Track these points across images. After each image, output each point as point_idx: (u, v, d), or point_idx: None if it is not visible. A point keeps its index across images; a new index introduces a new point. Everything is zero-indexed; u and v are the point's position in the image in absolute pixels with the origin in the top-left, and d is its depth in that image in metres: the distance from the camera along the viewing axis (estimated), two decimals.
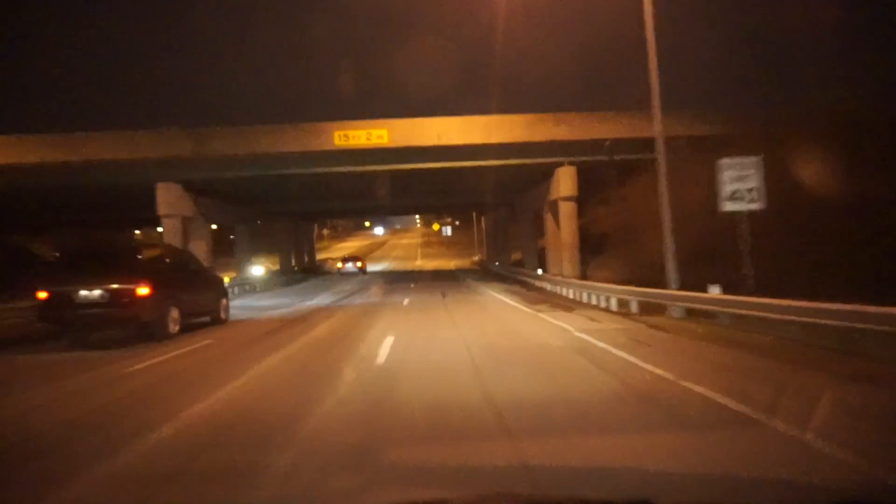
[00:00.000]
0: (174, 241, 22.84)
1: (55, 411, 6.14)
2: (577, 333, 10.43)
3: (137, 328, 10.85)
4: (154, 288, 10.71)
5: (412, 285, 28.28)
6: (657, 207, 12.74)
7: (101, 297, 10.45)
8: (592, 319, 12.72)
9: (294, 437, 4.62)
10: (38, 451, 4.69)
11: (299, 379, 7.48)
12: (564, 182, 23.73)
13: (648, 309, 13.36)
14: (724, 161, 11.34)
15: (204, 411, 5.69)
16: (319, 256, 60.85)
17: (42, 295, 10.70)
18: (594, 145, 22.42)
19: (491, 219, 45.43)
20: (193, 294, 12.47)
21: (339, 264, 44.62)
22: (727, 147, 13.52)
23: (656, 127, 12.81)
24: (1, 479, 4.08)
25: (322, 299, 22.62)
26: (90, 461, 4.28)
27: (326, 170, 23.69)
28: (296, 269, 42.84)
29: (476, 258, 56.73)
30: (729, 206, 11.43)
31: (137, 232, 43.83)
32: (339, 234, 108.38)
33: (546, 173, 25.05)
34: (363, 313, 16.07)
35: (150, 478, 3.89)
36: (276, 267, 42.06)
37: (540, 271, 26.49)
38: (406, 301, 19.37)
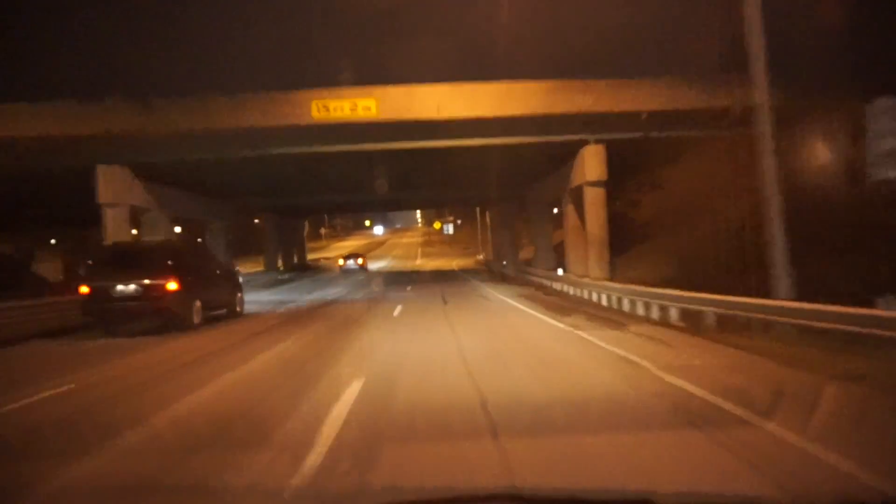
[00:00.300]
0: (119, 235, 18.80)
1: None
2: (666, 376, 6.27)
3: (166, 319, 11.86)
4: (181, 283, 11.81)
5: (409, 288, 24.50)
6: (706, 193, 8.81)
7: (136, 291, 11.61)
8: (666, 344, 8.63)
9: None
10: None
11: None
12: (591, 164, 19.62)
13: (729, 325, 9.25)
14: (883, 102, 7.19)
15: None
16: (313, 256, 56.78)
17: (84, 290, 11.89)
18: (627, 119, 18.30)
19: (497, 214, 41.35)
20: (213, 289, 13.60)
21: (341, 261, 44.30)
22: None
23: (759, 92, 8.89)
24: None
25: (296, 303, 18.68)
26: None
27: (303, 150, 19.63)
28: (281, 269, 38.73)
29: (480, 257, 52.41)
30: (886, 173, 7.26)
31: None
32: (338, 234, 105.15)
33: (566, 155, 20.97)
34: (335, 330, 12.10)
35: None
36: (261, 267, 37.93)
37: (560, 271, 22.34)
38: (397, 310, 15.33)
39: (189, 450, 4.30)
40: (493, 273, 35.61)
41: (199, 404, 5.91)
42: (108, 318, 12.07)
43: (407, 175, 26.08)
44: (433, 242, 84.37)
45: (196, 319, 12.38)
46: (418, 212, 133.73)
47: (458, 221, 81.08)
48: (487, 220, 47.10)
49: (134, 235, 21.46)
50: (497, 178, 26.69)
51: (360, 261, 43.67)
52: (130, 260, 12.52)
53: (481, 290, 22.35)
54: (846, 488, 3.09)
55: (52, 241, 34.91)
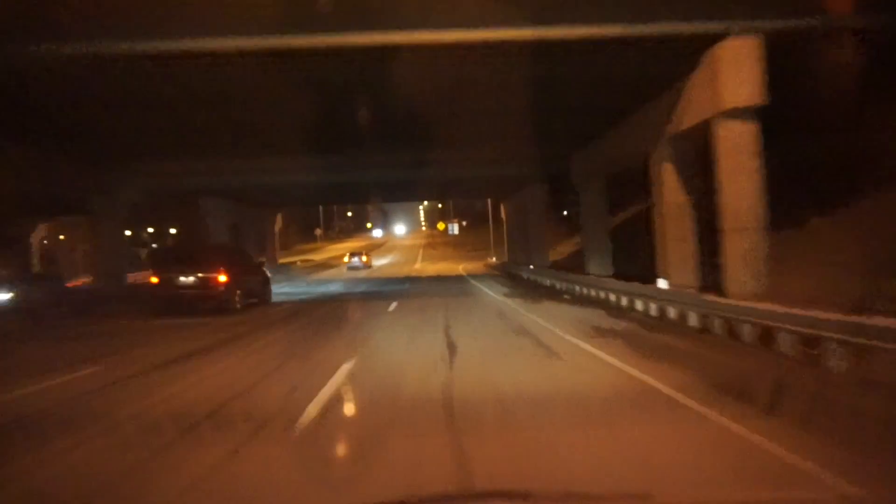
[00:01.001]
0: None
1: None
2: None
3: (217, 304, 14.53)
4: (228, 277, 14.72)
5: (394, 304, 16.08)
6: None
7: (194, 282, 14.55)
8: None
9: None
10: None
11: None
12: (733, 77, 10.13)
13: None
14: None
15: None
16: (300, 258, 47.58)
17: (154, 280, 15.04)
18: None
19: (516, 204, 31.82)
20: (250, 282, 16.38)
21: (346, 258, 46.58)
22: None
23: None
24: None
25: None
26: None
27: (215, 43, 9.91)
28: None
29: (492, 260, 42.73)
30: None
31: None
32: (336, 236, 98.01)
33: (662, 78, 11.56)
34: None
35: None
36: None
37: (663, 283, 12.56)
38: (349, 366, 7.44)
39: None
40: (514, 280, 25.92)
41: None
42: (171, 302, 14.62)
43: (402, 132, 16.43)
44: (436, 244, 75.59)
45: (238, 305, 15.24)
46: (422, 213, 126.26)
47: (464, 223, 76.58)
48: (503, 213, 37.52)
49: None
50: (526, 141, 17.27)
51: (363, 258, 45.01)
52: (189, 258, 15.49)
53: (512, 315, 12.94)
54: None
55: None
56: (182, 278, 14.51)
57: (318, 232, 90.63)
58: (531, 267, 25.51)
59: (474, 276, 30.89)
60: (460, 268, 39.82)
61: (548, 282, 21.04)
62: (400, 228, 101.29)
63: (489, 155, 20.49)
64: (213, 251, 16.92)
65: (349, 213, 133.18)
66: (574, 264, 22.86)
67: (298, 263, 47.06)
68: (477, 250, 61.44)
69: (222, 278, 14.56)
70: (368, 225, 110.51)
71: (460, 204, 77.92)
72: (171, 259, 16.39)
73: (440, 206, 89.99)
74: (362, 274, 37.74)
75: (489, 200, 44.94)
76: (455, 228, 66.16)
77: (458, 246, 68.08)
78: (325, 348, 8.99)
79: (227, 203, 28.02)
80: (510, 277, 27.82)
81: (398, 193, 37.27)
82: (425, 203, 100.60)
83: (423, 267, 44.22)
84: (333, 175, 23.29)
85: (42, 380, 6.92)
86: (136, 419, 5.14)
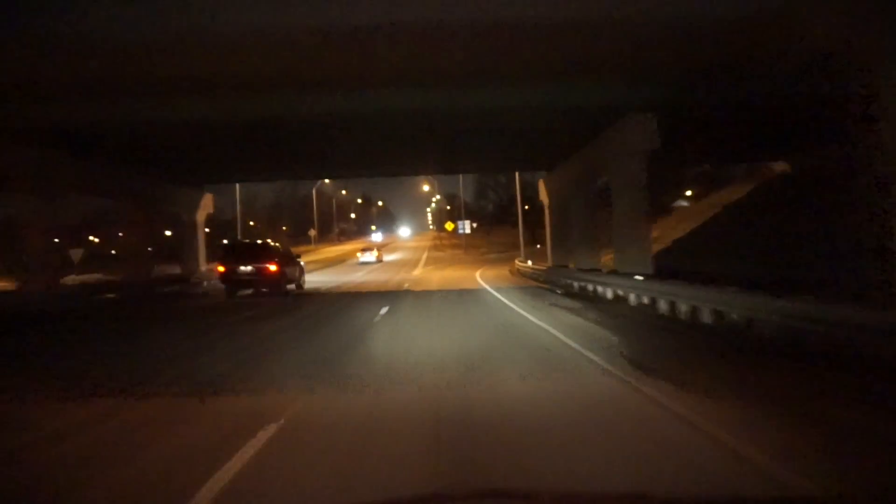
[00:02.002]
0: None
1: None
2: None
3: (269, 288, 18.31)
4: (278, 267, 18.42)
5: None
6: None
7: (251, 271, 18.09)
8: None
9: None
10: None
11: None
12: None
13: None
14: None
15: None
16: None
17: (220, 269, 18.73)
18: None
19: (576, 172, 20.44)
20: (291, 271, 20.13)
21: (359, 254, 48.67)
22: None
23: None
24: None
25: None
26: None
27: None
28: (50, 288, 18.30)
29: (525, 263, 28.31)
30: None
31: None
32: (335, 239, 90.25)
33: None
34: None
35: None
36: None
37: None
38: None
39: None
40: (585, 302, 14.13)
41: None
42: (234, 286, 18.41)
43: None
44: (443, 246, 66.50)
45: (284, 289, 18.87)
46: (429, 216, 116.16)
47: (474, 225, 69.27)
48: (544, 195, 26.10)
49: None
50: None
51: (375, 254, 46.95)
52: (246, 251, 19.00)
53: None
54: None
55: None
56: (242, 268, 18.13)
57: (312, 233, 79.98)
58: (637, 277, 13.73)
59: (504, 288, 19.00)
60: (476, 275, 27.81)
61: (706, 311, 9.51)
62: (405, 231, 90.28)
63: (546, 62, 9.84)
64: (265, 247, 19.94)
65: (353, 215, 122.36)
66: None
67: (212, 269, 34.80)
68: (495, 252, 50.63)
69: (273, 268, 18.25)
70: (373, 228, 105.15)
71: (470, 206, 72.69)
72: (233, 253, 19.12)
73: (448, 207, 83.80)
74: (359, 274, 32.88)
75: (517, 176, 32.84)
76: (466, 226, 54.38)
77: (469, 248, 57.74)
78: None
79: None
80: (567, 292, 16.39)
81: (400, 154, 22.17)
82: (433, 205, 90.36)
83: (425, 275, 31.16)
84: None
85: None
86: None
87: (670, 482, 3.24)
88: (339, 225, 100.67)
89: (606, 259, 21.41)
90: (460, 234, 55.99)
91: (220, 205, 35.22)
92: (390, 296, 17.54)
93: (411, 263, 44.97)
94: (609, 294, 14.11)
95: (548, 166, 24.93)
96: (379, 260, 45.95)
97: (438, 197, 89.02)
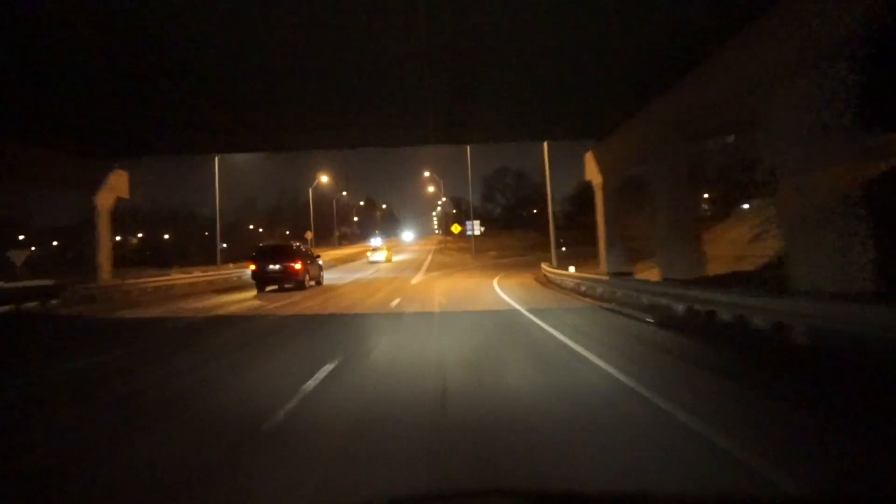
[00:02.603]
0: None
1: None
2: None
3: (293, 283, 20.83)
4: (302, 265, 20.91)
5: None
6: None
7: (279, 270, 20.44)
8: None
9: None
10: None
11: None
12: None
13: None
14: None
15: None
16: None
17: (252, 267, 20.72)
18: None
19: (631, 144, 13.20)
20: (313, 269, 22.54)
21: (369, 254, 50.77)
22: None
23: None
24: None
25: None
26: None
27: None
28: None
29: (567, 270, 21.33)
30: None
31: None
32: (336, 243, 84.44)
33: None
34: None
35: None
36: None
37: None
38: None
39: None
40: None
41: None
42: (264, 282, 20.66)
43: None
44: (449, 250, 59.14)
45: (307, 285, 21.44)
46: (435, 221, 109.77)
47: (483, 228, 60.94)
48: (593, 172, 18.81)
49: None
50: None
51: (384, 254, 48.97)
52: (274, 252, 21.14)
53: None
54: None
55: None
56: (270, 266, 20.46)
57: (308, 235, 72.25)
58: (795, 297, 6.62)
59: (544, 313, 11.98)
60: (494, 285, 21.54)
61: None
62: (408, 235, 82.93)
63: None
64: (290, 248, 22.26)
65: (356, 218, 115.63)
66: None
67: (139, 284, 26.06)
68: (508, 257, 43.63)
69: (298, 266, 20.69)
70: (376, 232, 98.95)
71: (477, 210, 68.31)
72: (263, 253, 21.14)
73: (454, 210, 78.90)
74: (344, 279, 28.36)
75: (545, 146, 25.17)
76: (475, 227, 48.33)
77: (479, 252, 50.71)
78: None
79: None
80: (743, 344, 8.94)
81: (393, 110, 15.06)
82: (438, 209, 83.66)
83: (427, 284, 24.07)
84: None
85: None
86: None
87: None
88: (341, 228, 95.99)
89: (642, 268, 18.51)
90: (468, 237, 49.17)
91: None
92: (356, 326, 10.87)
93: (413, 267, 37.72)
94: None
95: (599, 131, 17.64)
96: (388, 260, 47.87)
97: (444, 199, 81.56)
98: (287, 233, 68.40)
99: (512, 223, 73.80)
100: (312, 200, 68.33)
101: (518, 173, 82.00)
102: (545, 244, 30.10)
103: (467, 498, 1.96)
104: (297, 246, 22.82)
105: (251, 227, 78.55)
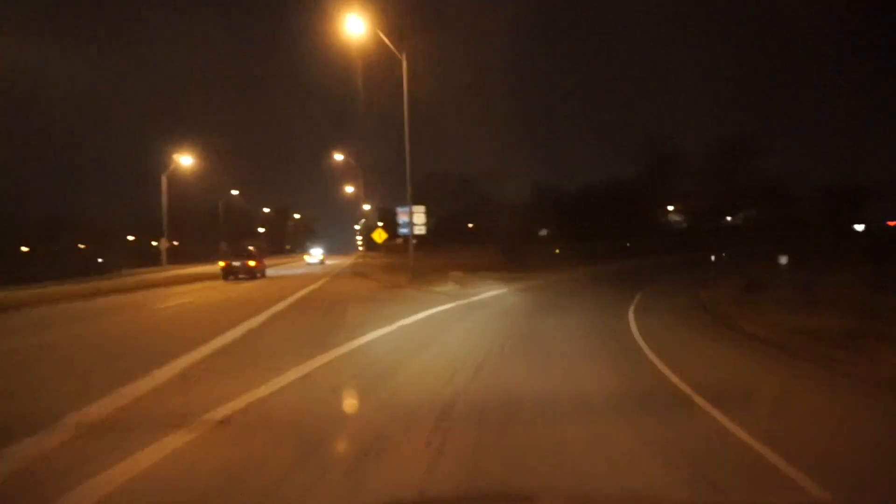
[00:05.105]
0: None
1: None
2: None
3: (252, 275, 30.18)
4: (257, 262, 30.82)
5: None
6: None
7: (241, 265, 30.10)
8: None
9: None
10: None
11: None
12: None
13: None
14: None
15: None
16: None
17: (222, 263, 30.72)
18: None
19: None
20: (262, 264, 32.15)
21: (306, 257, 59.39)
22: None
23: None
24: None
25: None
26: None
27: None
28: None
29: None
30: None
31: None
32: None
33: None
34: None
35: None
36: None
37: None
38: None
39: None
40: None
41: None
42: (230, 274, 29.78)
43: None
44: (364, 272, 36.03)
45: (259, 276, 31.03)
46: (358, 238, 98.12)
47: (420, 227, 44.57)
48: None
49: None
50: None
51: (321, 257, 57.30)
52: (238, 252, 32.16)
53: None
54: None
55: None
56: (235, 262, 30.10)
57: (223, 245, 58.79)
58: None
59: None
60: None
61: None
62: (316, 252, 62.27)
63: None
64: (249, 249, 32.84)
65: (261, 230, 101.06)
66: None
67: None
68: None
69: (253, 263, 30.36)
70: (287, 247, 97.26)
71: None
72: (229, 253, 32.56)
73: (380, 224, 61.75)
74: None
75: None
76: (416, 224, 25.46)
77: (423, 271, 34.47)
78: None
79: None
80: None
81: None
82: (363, 220, 72.05)
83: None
84: None
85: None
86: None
87: None
88: (241, 241, 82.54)
89: None
90: (400, 243, 34.48)
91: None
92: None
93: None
94: None
95: None
96: (323, 262, 55.45)
97: (367, 207, 67.89)
98: (176, 243, 63.94)
99: (456, 236, 61.17)
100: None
101: (464, 178, 70.50)
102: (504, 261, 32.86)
103: (473, 501, 2.26)
104: (253, 248, 33.33)
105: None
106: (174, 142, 61.74)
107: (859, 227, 65.38)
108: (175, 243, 59.44)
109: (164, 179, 41.96)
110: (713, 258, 42.41)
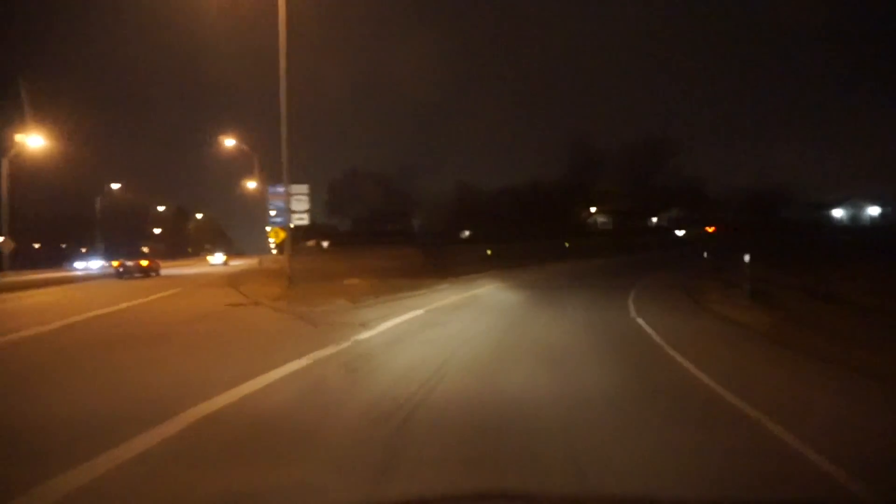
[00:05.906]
0: None
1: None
2: None
3: (145, 273, 33.30)
4: (150, 262, 34.96)
5: None
6: None
7: (133, 265, 33.94)
8: None
9: None
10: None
11: None
12: None
13: None
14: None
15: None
16: None
17: (115, 263, 36.44)
18: None
19: None
20: (155, 263, 35.51)
21: (209, 257, 59.25)
22: None
23: None
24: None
25: None
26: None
27: None
28: None
29: None
30: None
31: None
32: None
33: None
34: None
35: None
36: None
37: None
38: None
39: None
40: None
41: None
42: (125, 273, 32.95)
43: None
44: (258, 277, 27.02)
45: (153, 274, 33.94)
46: (271, 239, 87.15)
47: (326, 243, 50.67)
48: None
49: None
50: None
51: (225, 258, 57.03)
52: (132, 253, 39.11)
53: None
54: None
55: None
56: (128, 262, 33.70)
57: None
58: None
59: None
60: None
61: None
62: (218, 257, 56.49)
63: None
64: (142, 252, 39.71)
65: (157, 230, 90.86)
66: None
67: None
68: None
69: (146, 263, 34.09)
70: (208, 247, 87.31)
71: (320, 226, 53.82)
72: (124, 254, 37.07)
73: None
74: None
75: None
76: (299, 210, 18.40)
77: (328, 276, 27.26)
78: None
79: None
80: None
81: None
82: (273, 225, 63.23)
83: None
84: None
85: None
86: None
87: None
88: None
89: None
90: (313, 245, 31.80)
91: None
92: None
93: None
94: None
95: None
96: (226, 264, 54.63)
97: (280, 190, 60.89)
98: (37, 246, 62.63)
99: (376, 237, 55.58)
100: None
101: (380, 177, 64.85)
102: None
103: (472, 501, 2.10)
104: (146, 250, 43.57)
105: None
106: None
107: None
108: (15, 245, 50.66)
109: (4, 163, 33.66)
110: (681, 255, 42.65)
